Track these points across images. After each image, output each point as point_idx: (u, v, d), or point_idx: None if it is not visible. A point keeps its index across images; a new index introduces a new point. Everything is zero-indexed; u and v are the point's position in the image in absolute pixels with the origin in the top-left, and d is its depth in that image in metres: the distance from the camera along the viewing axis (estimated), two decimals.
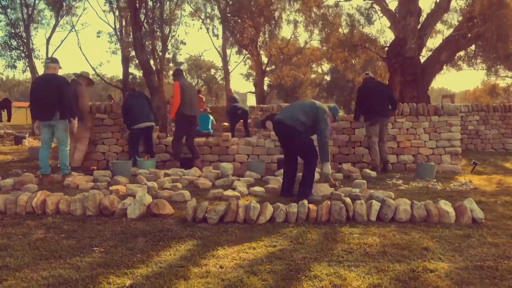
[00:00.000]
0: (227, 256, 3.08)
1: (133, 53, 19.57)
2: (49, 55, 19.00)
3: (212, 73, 49.37)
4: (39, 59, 19.08)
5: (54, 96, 6.09)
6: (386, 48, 15.05)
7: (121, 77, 24.29)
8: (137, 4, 11.25)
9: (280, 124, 4.96)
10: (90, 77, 8.29)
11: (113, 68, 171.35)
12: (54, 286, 2.59)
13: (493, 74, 22.20)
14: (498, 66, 19.52)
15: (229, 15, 20.17)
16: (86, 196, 4.26)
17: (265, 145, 7.59)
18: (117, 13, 20.71)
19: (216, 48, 51.41)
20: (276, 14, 21.75)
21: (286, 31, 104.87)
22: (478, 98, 31.95)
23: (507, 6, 12.62)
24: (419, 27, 12.98)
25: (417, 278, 2.71)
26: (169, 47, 21.78)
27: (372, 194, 4.81)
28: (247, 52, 26.66)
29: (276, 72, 29.94)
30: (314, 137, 5.03)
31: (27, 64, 18.19)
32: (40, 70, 18.60)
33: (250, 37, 20.15)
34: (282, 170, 6.66)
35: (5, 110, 16.61)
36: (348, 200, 4.17)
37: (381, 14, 16.49)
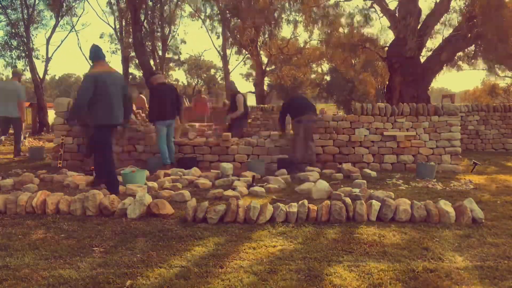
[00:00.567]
0: (227, 256, 3.08)
1: (133, 53, 19.60)
2: (49, 55, 19.03)
3: (212, 73, 49.38)
4: (39, 59, 19.11)
5: None
6: (386, 48, 15.07)
7: None
8: (137, 5, 11.26)
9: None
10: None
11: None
12: (54, 286, 2.60)
13: (493, 74, 22.22)
14: (498, 66, 19.52)
15: (229, 15, 20.18)
16: (86, 196, 4.26)
17: (265, 145, 7.59)
18: (117, 13, 20.74)
19: (216, 48, 51.40)
20: (276, 14, 21.75)
21: (286, 31, 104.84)
22: (478, 98, 31.94)
23: (507, 6, 12.62)
24: (419, 27, 12.99)
25: (417, 278, 2.71)
26: (170, 44, 21.79)
27: (372, 194, 4.81)
28: (247, 52, 26.66)
29: (276, 72, 29.96)
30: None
31: (27, 64, 18.19)
32: (41, 70, 18.66)
33: (250, 37, 20.16)
34: (282, 170, 6.69)
35: None
36: (348, 200, 4.17)
37: (381, 14, 16.49)
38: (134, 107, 9.55)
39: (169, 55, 24.39)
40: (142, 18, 13.50)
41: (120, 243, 3.36)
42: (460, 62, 19.60)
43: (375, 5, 16.48)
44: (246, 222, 3.91)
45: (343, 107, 38.38)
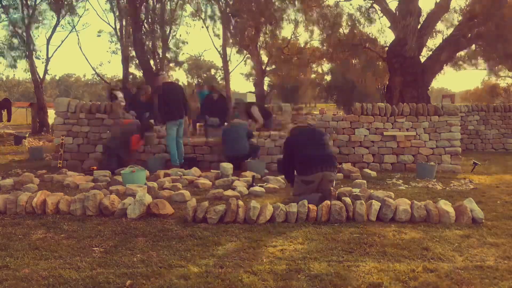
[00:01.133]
0: (227, 256, 3.08)
1: (133, 53, 19.60)
2: (49, 55, 19.03)
3: (212, 73, 49.40)
4: (40, 59, 19.11)
5: None
6: (386, 48, 15.07)
7: (121, 77, 24.29)
8: (137, 4, 11.26)
9: None
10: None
11: (113, 68, 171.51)
12: (54, 286, 2.60)
13: (493, 74, 22.21)
14: (498, 66, 19.52)
15: (229, 15, 20.17)
16: (86, 196, 4.27)
17: (265, 145, 7.59)
18: (117, 13, 20.72)
19: (216, 48, 51.37)
20: (277, 14, 21.74)
21: (286, 31, 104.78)
22: (478, 98, 31.94)
23: (508, 6, 12.62)
24: (419, 27, 12.99)
25: (417, 278, 2.71)
26: (171, 45, 21.78)
27: (372, 194, 4.81)
28: (247, 52, 26.65)
29: (276, 72, 29.93)
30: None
31: (27, 64, 18.20)
32: (41, 70, 18.65)
33: (251, 37, 20.16)
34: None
35: (5, 110, 16.62)
36: (348, 200, 4.17)
37: (381, 14, 16.49)
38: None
39: (169, 55, 24.35)
40: (143, 18, 13.51)
41: (120, 243, 3.36)
42: (460, 62, 19.59)
43: (375, 5, 16.48)
44: (246, 222, 3.91)
45: (343, 107, 38.37)
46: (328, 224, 3.91)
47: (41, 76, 18.50)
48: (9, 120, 16.69)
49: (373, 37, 18.79)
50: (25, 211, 4.25)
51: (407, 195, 5.10)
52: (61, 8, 18.48)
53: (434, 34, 17.36)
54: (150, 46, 15.95)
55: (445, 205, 4.05)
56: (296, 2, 17.80)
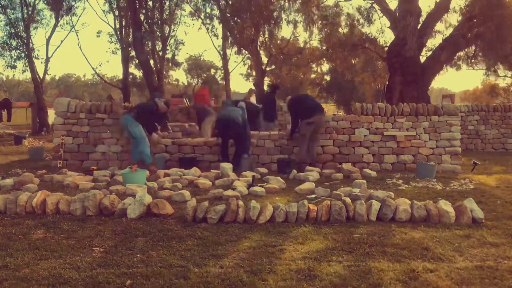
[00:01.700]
0: (227, 256, 3.08)
1: (133, 53, 19.60)
2: (49, 55, 19.03)
3: (212, 73, 49.38)
4: (39, 59, 19.11)
5: None
6: (386, 48, 15.07)
7: (121, 77, 24.29)
8: (137, 4, 11.26)
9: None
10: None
11: (113, 68, 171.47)
12: (54, 286, 2.60)
13: (493, 74, 22.22)
14: (498, 66, 19.52)
15: (228, 15, 20.17)
16: (86, 196, 4.26)
17: (265, 145, 7.59)
18: (117, 13, 20.73)
19: (216, 48, 51.42)
20: (276, 14, 21.74)
21: (286, 31, 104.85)
22: (478, 98, 31.94)
23: (507, 6, 12.62)
24: (419, 27, 12.99)
25: (417, 278, 2.71)
26: (169, 47, 21.79)
27: (372, 194, 4.81)
28: (247, 52, 26.66)
29: (276, 72, 29.93)
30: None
31: (27, 64, 18.19)
32: (41, 70, 18.65)
33: (250, 37, 20.16)
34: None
35: (5, 110, 16.62)
36: (348, 200, 4.17)
37: (381, 14, 16.52)
38: None
39: (169, 55, 24.35)
40: (142, 18, 13.51)
41: (120, 243, 3.36)
42: (460, 62, 19.60)
43: (375, 5, 16.49)
44: (246, 222, 3.91)
45: (343, 107, 38.36)
46: (328, 224, 3.91)
47: (41, 76, 18.50)
48: (9, 120, 16.69)
49: (373, 37, 18.80)
50: (25, 211, 4.25)
51: (407, 195, 5.10)
52: (60, 8, 18.49)
53: (434, 34, 17.39)
54: (150, 46, 15.97)
55: (445, 205, 4.05)
56: (297, 2, 17.80)
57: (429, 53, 15.43)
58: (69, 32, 21.23)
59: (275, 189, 5.54)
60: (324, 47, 21.08)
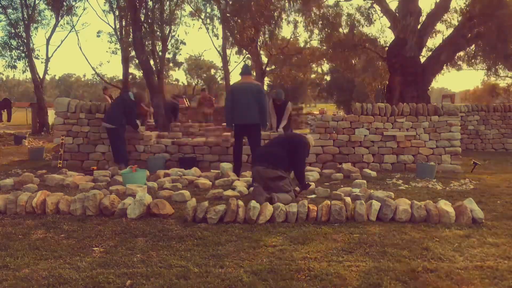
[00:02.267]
0: (227, 256, 3.08)
1: (133, 53, 19.58)
2: (49, 55, 19.02)
3: (212, 73, 49.40)
4: (39, 59, 19.11)
5: None
6: (386, 48, 15.07)
7: (121, 77, 24.29)
8: (137, 4, 11.26)
9: None
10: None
11: (113, 68, 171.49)
12: (54, 286, 2.59)
13: (493, 74, 22.22)
14: (498, 66, 19.52)
15: (229, 15, 20.17)
16: (87, 196, 4.26)
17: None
18: (117, 13, 20.71)
19: (216, 48, 51.44)
20: (276, 14, 21.74)
21: (286, 31, 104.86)
22: (478, 98, 31.94)
23: (507, 6, 12.62)
24: (419, 27, 12.99)
25: (417, 278, 2.70)
26: (169, 47, 21.78)
27: (372, 194, 4.81)
28: (247, 52, 26.66)
29: (276, 72, 29.94)
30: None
31: (27, 64, 18.20)
32: (41, 70, 18.65)
33: (250, 37, 20.16)
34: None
35: (5, 110, 16.64)
36: (348, 200, 4.17)
37: (381, 14, 16.52)
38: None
39: (169, 55, 24.33)
40: (142, 18, 13.50)
41: (120, 243, 3.36)
42: (460, 62, 19.60)
43: (375, 5, 16.49)
44: (246, 222, 3.91)
45: (343, 107, 38.38)
46: (328, 224, 3.91)
47: (41, 76, 18.50)
48: (9, 120, 16.71)
49: (373, 37, 18.80)
50: (25, 211, 4.25)
51: (407, 195, 5.10)
52: (60, 8, 18.48)
53: (434, 34, 17.38)
54: (149, 46, 15.96)
55: (445, 205, 4.05)
56: (295, 3, 17.80)
57: (429, 53, 15.44)
58: (69, 32, 21.24)
59: None
60: (324, 47, 21.08)
